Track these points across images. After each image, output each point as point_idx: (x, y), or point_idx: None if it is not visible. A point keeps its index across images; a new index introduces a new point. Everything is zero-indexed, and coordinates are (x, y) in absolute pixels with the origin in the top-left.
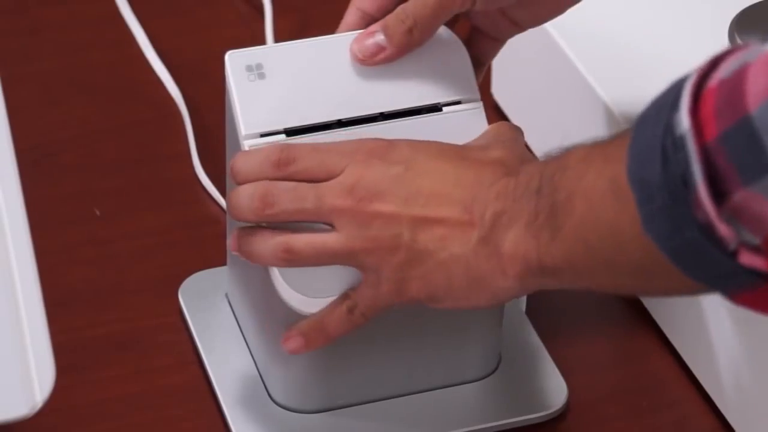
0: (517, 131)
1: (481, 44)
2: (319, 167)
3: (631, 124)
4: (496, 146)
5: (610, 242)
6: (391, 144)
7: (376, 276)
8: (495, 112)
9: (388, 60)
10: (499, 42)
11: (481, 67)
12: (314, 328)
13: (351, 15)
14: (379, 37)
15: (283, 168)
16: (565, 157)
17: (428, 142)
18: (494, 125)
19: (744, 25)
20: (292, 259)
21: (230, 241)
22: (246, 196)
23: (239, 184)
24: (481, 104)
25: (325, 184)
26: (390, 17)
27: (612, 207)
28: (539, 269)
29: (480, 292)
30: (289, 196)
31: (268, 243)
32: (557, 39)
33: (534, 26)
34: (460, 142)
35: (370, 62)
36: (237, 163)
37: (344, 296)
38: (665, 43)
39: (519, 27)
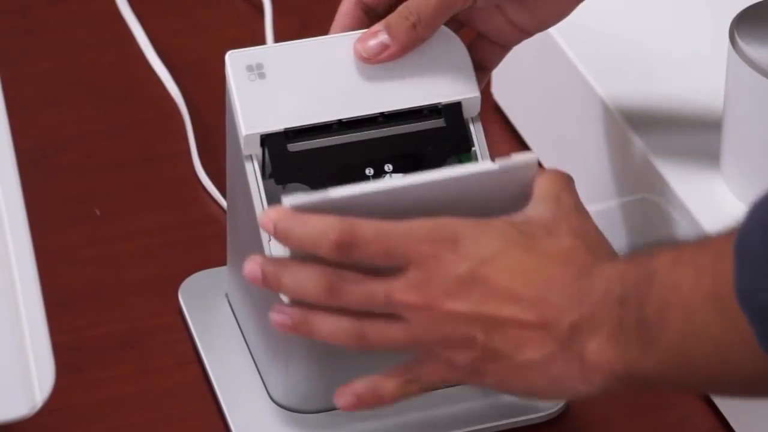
0: (574, 194)
1: (485, 50)
2: (383, 256)
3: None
4: (561, 230)
5: (716, 358)
6: (456, 232)
7: (448, 363)
8: (495, 112)
9: (393, 57)
10: (504, 48)
11: (485, 72)
12: (369, 391)
13: (347, 2)
14: (383, 36)
15: (344, 253)
16: (647, 263)
17: (493, 226)
18: (548, 184)
19: (744, 25)
20: (361, 345)
21: (281, 317)
22: (308, 281)
23: (289, 247)
24: (535, 161)
25: (393, 280)
26: (392, 15)
27: (717, 324)
28: (627, 377)
29: (558, 392)
30: (357, 290)
31: (339, 326)
32: (557, 39)
33: (538, 31)
34: (512, 199)
35: (375, 61)
36: (288, 228)
37: (406, 368)
38: (665, 43)
39: (523, 32)
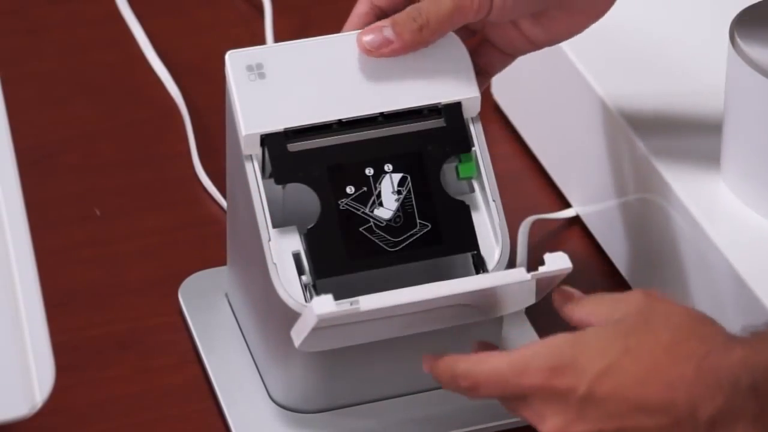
0: (632, 291)
1: (490, 56)
2: (502, 394)
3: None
4: (656, 323)
5: None
6: (560, 356)
7: None
8: (495, 112)
9: (394, 54)
10: (510, 57)
11: (486, 77)
12: None
13: (362, 5)
14: (388, 31)
15: (473, 394)
16: None
17: (593, 338)
18: (602, 303)
19: (744, 25)
20: None
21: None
22: (463, 392)
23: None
24: (569, 267)
25: (522, 409)
26: (401, 13)
27: None
28: None
29: None
30: (496, 396)
31: None
32: None
33: (548, 45)
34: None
35: (376, 54)
36: (436, 376)
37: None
38: (665, 43)
39: (533, 45)
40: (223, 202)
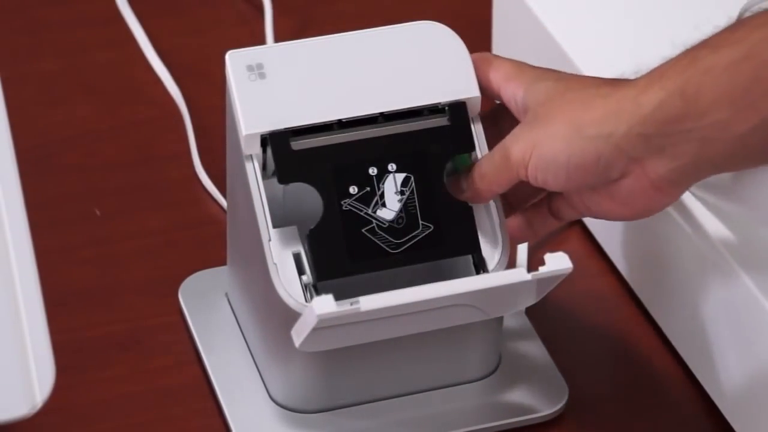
0: None
1: (560, 204)
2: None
3: None
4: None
5: None
6: None
7: None
8: None
9: (470, 201)
10: (557, 220)
11: (556, 222)
12: None
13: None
14: (463, 182)
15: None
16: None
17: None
18: None
19: None
20: None
21: None
22: None
23: None
24: (569, 268)
25: None
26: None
27: None
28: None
29: None
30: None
31: None
32: (557, 39)
33: (598, 218)
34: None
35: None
36: None
37: None
38: (666, 44)
39: (581, 215)
40: (223, 202)
